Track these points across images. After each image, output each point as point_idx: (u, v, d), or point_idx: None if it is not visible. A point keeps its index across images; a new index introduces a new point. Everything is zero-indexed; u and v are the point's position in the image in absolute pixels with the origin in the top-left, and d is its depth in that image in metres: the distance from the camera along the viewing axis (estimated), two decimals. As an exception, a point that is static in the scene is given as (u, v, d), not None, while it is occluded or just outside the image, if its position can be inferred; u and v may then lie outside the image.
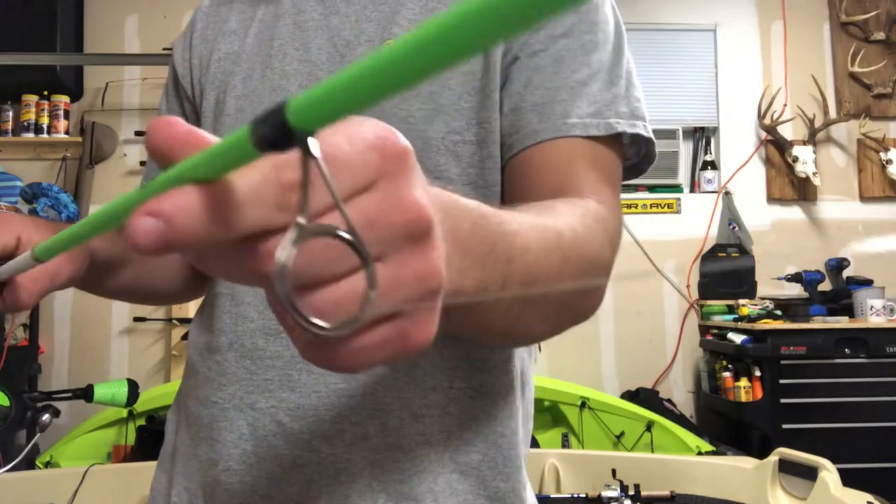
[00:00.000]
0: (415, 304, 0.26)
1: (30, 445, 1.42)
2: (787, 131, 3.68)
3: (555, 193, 0.55)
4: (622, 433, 2.60)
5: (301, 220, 0.22)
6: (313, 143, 0.21)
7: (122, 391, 1.53)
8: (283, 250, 0.22)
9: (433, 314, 0.27)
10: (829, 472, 1.73)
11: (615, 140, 0.61)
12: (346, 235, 0.23)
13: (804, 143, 3.65)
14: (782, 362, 2.97)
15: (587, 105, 0.59)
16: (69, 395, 1.49)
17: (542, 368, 3.41)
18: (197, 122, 0.75)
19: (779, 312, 3.20)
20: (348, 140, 0.24)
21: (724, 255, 3.52)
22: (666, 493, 2.02)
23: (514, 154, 0.61)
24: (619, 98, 0.60)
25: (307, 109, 0.20)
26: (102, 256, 0.64)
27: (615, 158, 0.61)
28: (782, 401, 2.94)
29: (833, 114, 3.71)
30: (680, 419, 2.98)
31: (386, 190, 0.25)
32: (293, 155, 0.22)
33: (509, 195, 0.62)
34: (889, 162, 3.63)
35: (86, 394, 1.48)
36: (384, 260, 0.25)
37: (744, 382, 3.03)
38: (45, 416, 1.40)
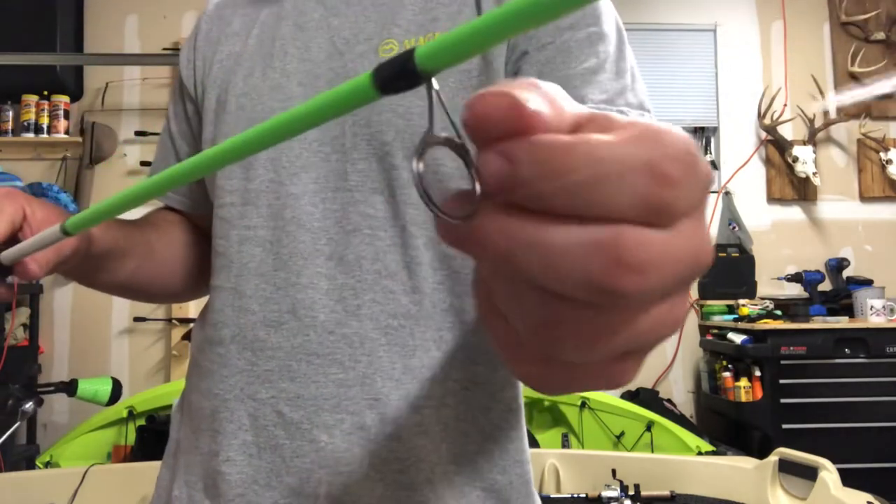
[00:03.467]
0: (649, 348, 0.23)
1: (10, 430, 1.42)
2: (787, 131, 3.68)
3: None
4: (622, 433, 2.60)
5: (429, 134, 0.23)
6: (434, 82, 0.22)
7: (106, 389, 1.55)
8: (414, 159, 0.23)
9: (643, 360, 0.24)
10: (829, 472, 1.73)
11: None
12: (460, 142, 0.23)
13: (804, 143, 3.65)
14: (782, 362, 2.97)
15: (599, 93, 0.59)
16: (52, 388, 1.50)
17: (542, 368, 3.41)
18: (198, 121, 0.76)
19: (779, 312, 3.20)
20: (687, 151, 0.20)
21: (724, 255, 3.52)
22: (666, 493, 2.02)
23: None
24: (626, 89, 0.61)
25: (433, 51, 0.21)
26: (101, 246, 0.64)
27: None
28: (782, 401, 2.95)
29: (833, 114, 3.71)
30: (680, 419, 2.98)
31: (698, 223, 0.21)
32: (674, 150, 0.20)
33: None
34: (889, 162, 3.63)
35: (69, 388, 1.49)
36: (665, 300, 0.21)
37: (744, 382, 3.03)
38: (28, 405, 1.40)
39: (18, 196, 0.56)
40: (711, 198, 3.64)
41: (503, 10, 0.19)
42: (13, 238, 0.54)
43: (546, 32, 0.61)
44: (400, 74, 0.21)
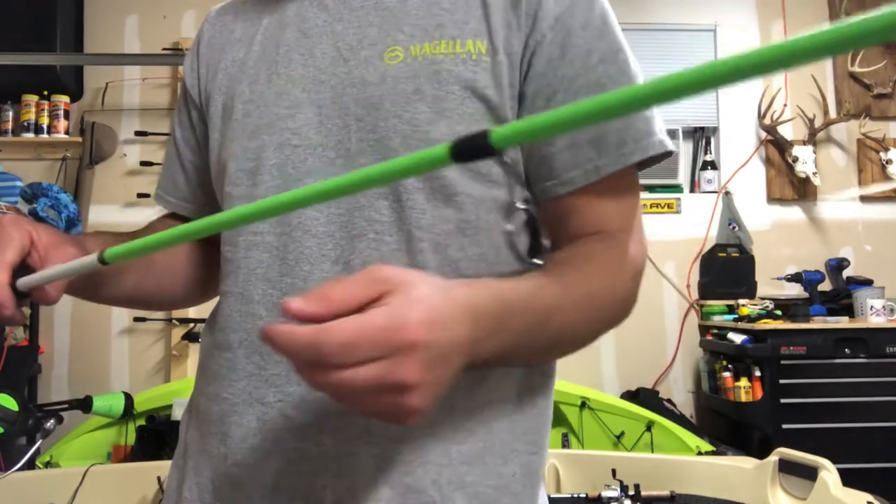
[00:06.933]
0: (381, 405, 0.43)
1: (32, 450, 1.46)
2: (787, 131, 3.68)
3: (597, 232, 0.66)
4: (622, 433, 2.60)
5: None
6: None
7: (119, 403, 1.63)
8: None
9: (401, 416, 0.44)
10: (829, 472, 1.73)
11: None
12: None
13: (804, 143, 3.65)
14: (782, 362, 2.97)
15: (642, 124, 0.63)
16: (66, 406, 1.55)
17: (542, 368, 3.40)
18: (203, 128, 0.76)
19: (779, 312, 3.20)
20: (375, 327, 0.41)
21: (724, 255, 3.52)
22: (666, 493, 2.02)
23: (575, 190, 0.63)
24: (654, 115, 0.63)
25: (507, 135, 0.26)
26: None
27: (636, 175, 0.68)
28: (782, 401, 2.94)
29: (833, 114, 3.71)
30: (680, 419, 2.98)
31: (386, 369, 0.41)
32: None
33: (579, 228, 0.64)
34: (889, 162, 3.63)
35: (84, 405, 1.56)
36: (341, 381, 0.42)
37: (744, 382, 3.03)
38: (50, 423, 1.43)
39: (24, 222, 0.58)
40: (712, 198, 3.65)
41: (572, 108, 0.24)
42: (23, 264, 0.57)
43: (576, 70, 0.62)
44: (476, 150, 0.27)
